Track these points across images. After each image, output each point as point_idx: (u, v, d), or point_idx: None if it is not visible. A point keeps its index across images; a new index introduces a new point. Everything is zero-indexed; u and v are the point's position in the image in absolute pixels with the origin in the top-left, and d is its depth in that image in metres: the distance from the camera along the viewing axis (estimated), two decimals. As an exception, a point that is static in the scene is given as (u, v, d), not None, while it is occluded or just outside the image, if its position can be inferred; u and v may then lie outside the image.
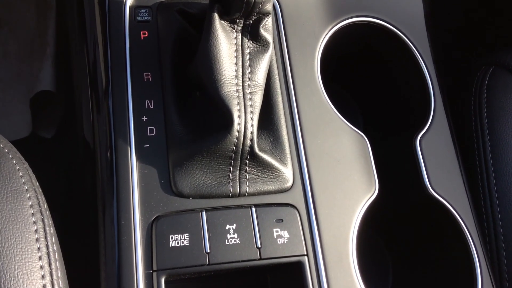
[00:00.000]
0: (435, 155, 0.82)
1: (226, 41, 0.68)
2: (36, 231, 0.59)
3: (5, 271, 0.55)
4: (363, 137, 0.80)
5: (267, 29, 0.70)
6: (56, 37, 1.32)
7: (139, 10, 0.78)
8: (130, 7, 0.78)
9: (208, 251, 0.66)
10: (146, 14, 0.78)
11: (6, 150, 0.64)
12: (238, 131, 0.66)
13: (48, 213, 0.62)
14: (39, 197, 0.62)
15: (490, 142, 0.91)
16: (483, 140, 0.91)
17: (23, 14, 1.40)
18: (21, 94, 1.28)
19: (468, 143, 0.93)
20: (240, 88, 0.68)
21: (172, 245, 0.65)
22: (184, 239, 0.66)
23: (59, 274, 0.59)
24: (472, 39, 1.45)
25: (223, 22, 0.67)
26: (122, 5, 0.77)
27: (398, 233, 0.99)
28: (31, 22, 1.38)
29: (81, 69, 0.86)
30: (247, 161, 0.69)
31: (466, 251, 0.78)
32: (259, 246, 0.68)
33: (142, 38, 0.77)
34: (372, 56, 1.02)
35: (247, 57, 0.70)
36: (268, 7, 0.66)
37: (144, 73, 0.75)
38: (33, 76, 1.30)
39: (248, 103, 0.68)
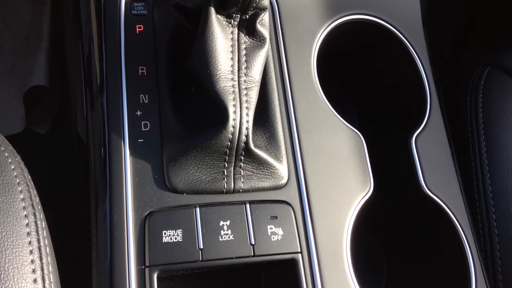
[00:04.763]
0: (430, 154, 0.82)
1: (222, 36, 0.67)
2: (27, 224, 0.58)
3: None
4: (358, 135, 0.79)
5: (263, 25, 0.69)
6: (51, 32, 1.31)
7: (135, 4, 0.77)
8: (126, 1, 0.77)
9: (202, 247, 0.65)
10: (142, 8, 0.78)
11: (-2, 143, 0.63)
12: (233, 127, 0.65)
13: (39, 207, 0.62)
14: (31, 190, 0.62)
15: (486, 142, 0.91)
16: (479, 140, 0.91)
17: (19, 8, 1.39)
18: (16, 89, 1.27)
19: (464, 143, 0.93)
20: (236, 83, 0.67)
21: (165, 240, 0.65)
22: (177, 235, 0.65)
23: (50, 269, 0.58)
24: (469, 39, 1.45)
25: (219, 16, 0.67)
26: None
27: (393, 232, 0.99)
28: (26, 17, 1.37)
29: (76, 64, 0.85)
30: (242, 157, 0.69)
31: (461, 250, 0.78)
32: (253, 242, 0.67)
33: (137, 32, 0.76)
34: (368, 54, 1.02)
35: (243, 52, 0.69)
36: (265, 2, 0.66)
37: (139, 67, 0.74)
38: (27, 71, 1.28)
39: (244, 98, 0.67)
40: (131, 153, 0.69)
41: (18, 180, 0.60)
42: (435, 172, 0.81)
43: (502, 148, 0.89)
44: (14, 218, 0.57)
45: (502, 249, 0.83)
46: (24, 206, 0.59)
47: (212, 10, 0.66)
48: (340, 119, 0.79)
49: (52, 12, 1.32)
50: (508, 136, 0.90)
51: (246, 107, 0.67)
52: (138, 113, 0.71)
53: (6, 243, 0.55)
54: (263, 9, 0.67)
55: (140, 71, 0.73)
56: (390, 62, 0.98)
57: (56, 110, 1.29)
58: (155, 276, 0.63)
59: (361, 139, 0.79)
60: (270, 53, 0.80)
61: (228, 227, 0.67)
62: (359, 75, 1.09)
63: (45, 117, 1.29)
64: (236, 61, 0.68)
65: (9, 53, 1.34)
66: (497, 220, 0.84)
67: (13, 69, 1.31)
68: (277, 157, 0.73)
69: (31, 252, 0.57)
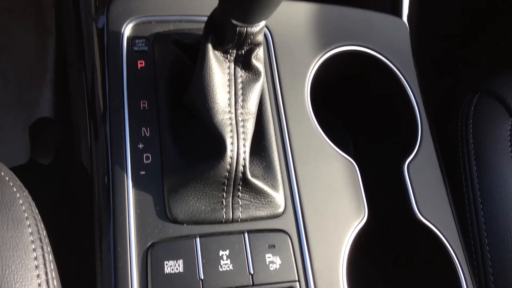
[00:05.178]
0: (422, 180, 0.84)
1: (219, 71, 0.70)
2: (35, 258, 0.60)
3: None
4: (352, 163, 0.82)
5: (258, 59, 0.72)
6: (55, 64, 1.34)
7: (136, 41, 0.80)
8: (128, 38, 0.80)
9: (202, 277, 0.67)
10: (143, 44, 0.81)
11: (7, 178, 0.66)
12: (231, 158, 0.68)
13: (47, 240, 0.64)
14: (38, 224, 0.64)
15: (477, 167, 0.93)
16: (470, 165, 0.93)
17: (23, 40, 1.43)
18: (20, 120, 1.30)
19: (455, 168, 0.95)
20: (233, 115, 0.70)
21: (167, 271, 0.66)
22: (179, 266, 0.67)
23: None
24: (459, 67, 1.49)
25: (216, 52, 0.70)
26: (120, 36, 0.80)
27: (388, 258, 1.00)
28: (31, 49, 1.41)
29: (80, 97, 0.88)
30: (240, 187, 0.71)
31: (454, 274, 0.80)
32: (252, 272, 0.69)
33: (139, 67, 0.79)
34: (361, 84, 1.05)
35: (240, 85, 0.72)
36: (260, 38, 0.69)
37: (141, 101, 0.77)
38: (32, 102, 1.32)
39: (241, 130, 0.70)
40: (134, 185, 0.71)
41: (26, 215, 0.63)
42: (427, 198, 0.83)
43: (493, 173, 0.91)
44: (23, 252, 0.59)
45: (495, 274, 0.84)
46: (32, 240, 0.61)
47: (210, 46, 0.69)
48: (334, 148, 0.82)
49: (56, 44, 1.36)
50: (498, 162, 0.92)
51: (243, 138, 0.69)
52: (140, 145, 0.73)
53: (16, 276, 0.57)
54: (258, 44, 0.70)
55: (141, 105, 0.76)
56: (382, 90, 1.02)
57: (59, 140, 1.32)
58: None
59: (354, 167, 0.82)
60: (266, 85, 0.83)
61: (228, 257, 0.69)
62: (353, 103, 1.12)
63: (48, 147, 1.32)
64: (233, 94, 0.71)
65: (14, 84, 1.37)
66: (490, 244, 0.86)
67: (18, 100, 1.34)
68: (274, 186, 0.75)
69: (39, 285, 0.59)
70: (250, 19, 0.64)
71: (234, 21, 0.64)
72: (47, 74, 1.33)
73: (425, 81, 0.97)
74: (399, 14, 1.04)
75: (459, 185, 0.94)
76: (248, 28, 0.65)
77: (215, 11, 0.68)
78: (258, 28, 0.66)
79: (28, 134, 1.28)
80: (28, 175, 0.79)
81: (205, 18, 0.69)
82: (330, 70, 0.91)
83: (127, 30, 0.80)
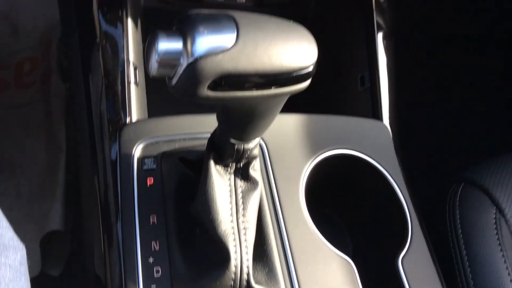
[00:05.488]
0: (417, 273, 0.88)
1: (221, 183, 0.76)
2: None
3: None
4: (349, 262, 0.86)
5: (255, 170, 0.78)
6: (65, 179, 1.42)
7: (145, 160, 0.87)
8: (138, 158, 0.87)
9: None
10: (152, 163, 0.87)
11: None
12: (235, 266, 0.71)
13: None
14: None
15: (468, 256, 0.97)
16: (461, 254, 0.97)
17: (35, 155, 1.53)
18: (32, 233, 1.35)
19: (447, 258, 0.99)
20: (235, 224, 0.74)
21: None
22: None
23: None
24: (441, 160, 1.58)
25: (218, 166, 0.76)
26: (131, 158, 0.87)
27: None
28: (42, 164, 1.50)
29: (92, 212, 0.94)
30: (245, 295, 0.74)
31: None
32: None
33: (148, 185, 0.85)
34: (352, 183, 1.12)
35: (240, 195, 0.77)
36: (255, 152, 0.75)
37: (151, 216, 0.82)
38: (42, 215, 1.37)
39: (243, 238, 0.74)
40: None
41: None
42: (424, 291, 0.87)
43: (483, 261, 0.95)
44: None
45: None
46: None
47: (212, 162, 0.75)
48: (331, 248, 0.86)
49: (67, 159, 1.45)
50: (487, 249, 0.97)
51: (246, 246, 0.74)
52: (151, 260, 0.78)
53: None
54: (254, 157, 0.77)
55: (151, 220, 0.81)
56: (371, 188, 1.08)
57: (68, 251, 1.35)
58: None
59: (351, 265, 0.86)
60: (263, 192, 0.88)
61: None
62: (346, 200, 1.17)
63: (58, 259, 1.35)
64: (234, 204, 0.76)
65: (25, 198, 1.44)
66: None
67: (29, 214, 1.40)
68: (277, 291, 0.78)
69: None
70: (246, 138, 0.71)
71: (232, 140, 0.71)
72: (57, 189, 1.40)
73: (410, 176, 1.05)
74: (380, 117, 1.15)
75: (452, 273, 0.96)
76: (245, 145, 0.71)
77: (215, 131, 0.75)
78: (254, 144, 0.73)
79: (39, 247, 1.32)
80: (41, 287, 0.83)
81: (206, 135, 0.77)
82: (322, 171, 0.98)
83: (137, 151, 0.88)
